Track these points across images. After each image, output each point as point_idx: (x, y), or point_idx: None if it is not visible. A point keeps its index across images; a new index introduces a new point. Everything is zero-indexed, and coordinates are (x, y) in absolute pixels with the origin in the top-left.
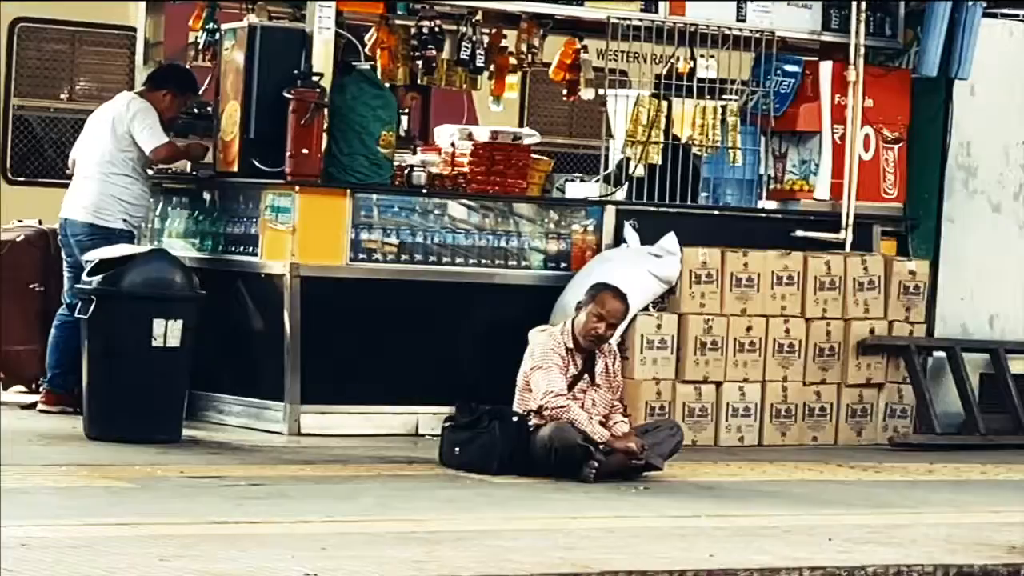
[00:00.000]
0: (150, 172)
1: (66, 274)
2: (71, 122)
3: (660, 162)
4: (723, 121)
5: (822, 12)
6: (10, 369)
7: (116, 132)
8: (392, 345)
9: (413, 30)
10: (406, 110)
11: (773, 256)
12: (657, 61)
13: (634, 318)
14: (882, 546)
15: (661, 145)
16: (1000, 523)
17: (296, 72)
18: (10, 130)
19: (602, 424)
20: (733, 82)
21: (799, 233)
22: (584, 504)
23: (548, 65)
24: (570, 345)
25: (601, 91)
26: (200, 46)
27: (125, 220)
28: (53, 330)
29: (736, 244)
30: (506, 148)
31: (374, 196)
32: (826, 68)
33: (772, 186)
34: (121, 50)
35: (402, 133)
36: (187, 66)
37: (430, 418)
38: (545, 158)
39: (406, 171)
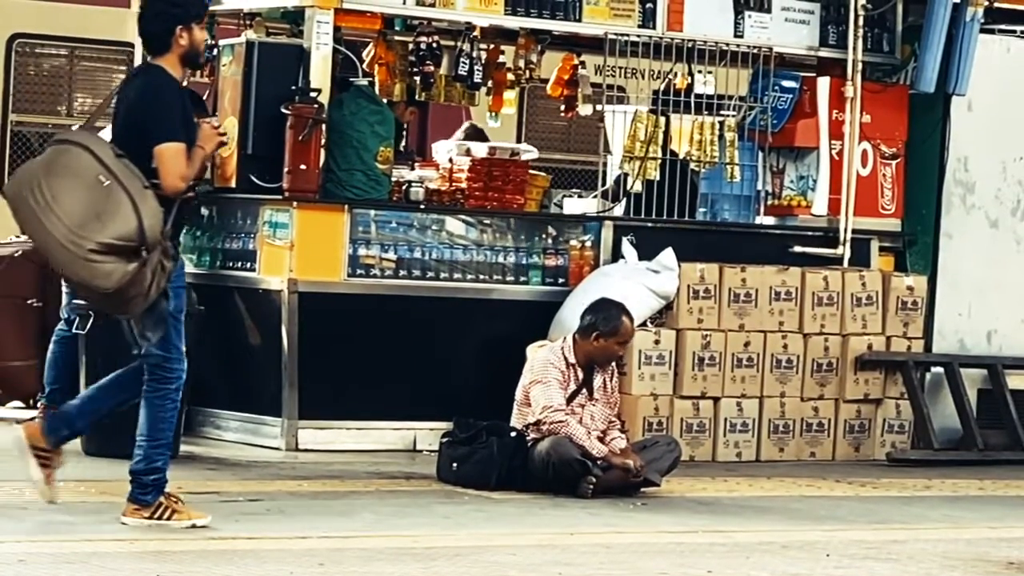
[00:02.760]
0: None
1: (64, 289)
2: None
3: (658, 178)
4: (721, 137)
5: (820, 28)
6: (8, 385)
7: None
8: (390, 360)
9: (411, 46)
10: (405, 125)
11: (771, 272)
12: (655, 77)
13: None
14: (880, 562)
15: (659, 161)
16: (998, 539)
17: (294, 88)
18: (8, 146)
19: (600, 439)
20: (731, 98)
21: (797, 249)
22: (582, 519)
23: (546, 81)
24: (571, 360)
25: (599, 107)
26: None
27: None
28: (51, 345)
29: (734, 260)
30: (504, 164)
31: (372, 212)
32: (824, 84)
33: (770, 202)
34: (119, 66)
35: (400, 148)
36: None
37: (428, 433)
38: (543, 174)
39: (404, 187)
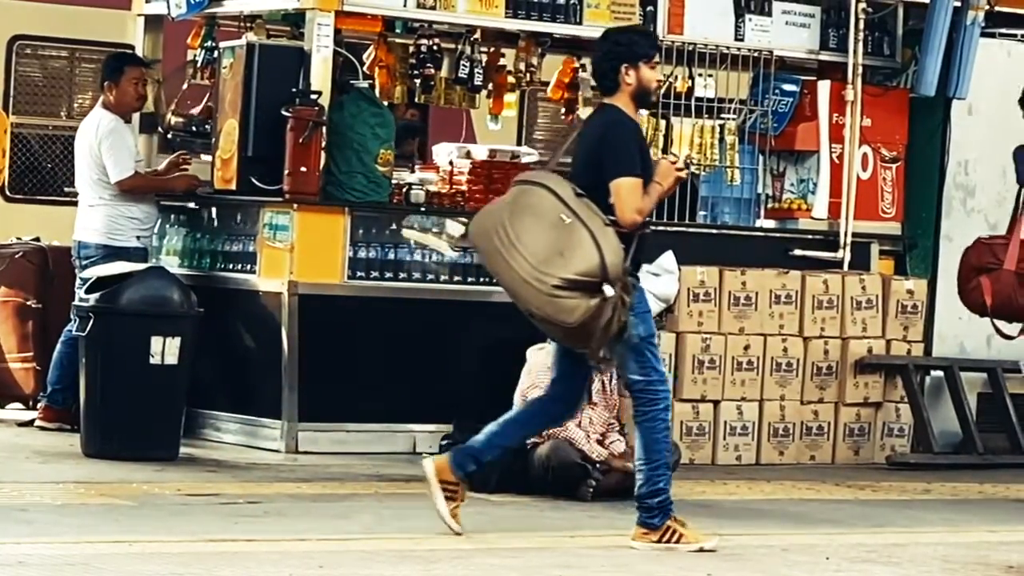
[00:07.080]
0: None
1: (78, 293)
2: (69, 140)
3: None
4: (721, 140)
5: (820, 31)
6: (7, 386)
7: (94, 160)
8: (390, 363)
9: (412, 48)
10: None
11: (771, 275)
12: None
13: None
14: (879, 565)
15: None
16: (997, 542)
17: (295, 90)
18: (8, 147)
19: (599, 442)
20: (731, 101)
21: (797, 252)
22: (582, 522)
23: (546, 84)
24: None
25: None
26: (199, 64)
27: (138, 237)
28: (59, 346)
29: (734, 263)
30: (504, 166)
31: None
32: (824, 87)
33: (770, 205)
34: None
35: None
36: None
37: (428, 436)
38: None
39: (404, 189)
